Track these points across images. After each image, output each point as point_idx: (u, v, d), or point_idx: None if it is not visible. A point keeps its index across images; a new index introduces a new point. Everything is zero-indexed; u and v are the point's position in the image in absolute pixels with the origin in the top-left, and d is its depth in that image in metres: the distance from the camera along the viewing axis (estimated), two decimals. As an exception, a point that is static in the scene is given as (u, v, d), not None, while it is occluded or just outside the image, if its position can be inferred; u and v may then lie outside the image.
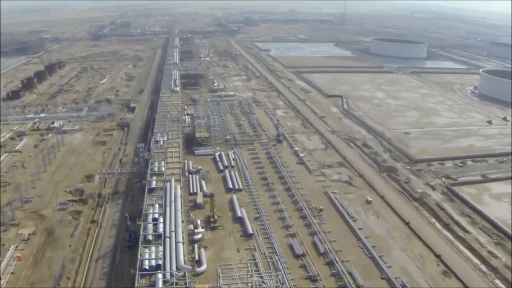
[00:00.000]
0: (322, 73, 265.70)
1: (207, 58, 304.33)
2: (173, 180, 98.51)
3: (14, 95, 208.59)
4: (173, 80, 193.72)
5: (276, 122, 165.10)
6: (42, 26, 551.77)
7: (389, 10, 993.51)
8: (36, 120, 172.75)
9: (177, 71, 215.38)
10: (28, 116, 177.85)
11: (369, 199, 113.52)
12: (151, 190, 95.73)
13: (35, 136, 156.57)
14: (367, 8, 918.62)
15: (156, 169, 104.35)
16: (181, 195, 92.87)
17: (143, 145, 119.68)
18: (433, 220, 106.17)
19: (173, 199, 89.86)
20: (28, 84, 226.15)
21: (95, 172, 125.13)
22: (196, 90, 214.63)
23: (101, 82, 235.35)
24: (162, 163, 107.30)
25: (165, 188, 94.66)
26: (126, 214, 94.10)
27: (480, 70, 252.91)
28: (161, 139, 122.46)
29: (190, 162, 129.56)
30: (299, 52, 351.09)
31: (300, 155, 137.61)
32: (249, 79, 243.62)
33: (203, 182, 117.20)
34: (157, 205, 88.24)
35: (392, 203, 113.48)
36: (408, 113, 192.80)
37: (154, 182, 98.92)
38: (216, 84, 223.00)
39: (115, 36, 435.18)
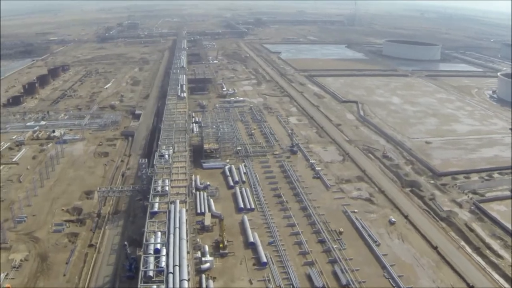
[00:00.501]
0: (335, 77, 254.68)
1: (215, 61, 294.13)
2: (178, 202, 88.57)
3: (14, 101, 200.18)
4: (179, 85, 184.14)
5: (290, 131, 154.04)
6: (49, 28, 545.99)
7: (399, 10, 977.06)
8: (36, 128, 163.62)
9: (184, 76, 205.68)
10: (28, 124, 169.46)
11: (393, 219, 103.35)
12: (154, 214, 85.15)
13: (34, 146, 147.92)
14: (376, 9, 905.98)
15: (159, 188, 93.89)
16: (186, 220, 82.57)
17: (146, 160, 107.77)
18: (463, 243, 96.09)
19: (177, 225, 79.82)
20: (29, 89, 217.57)
21: (95, 187, 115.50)
22: (204, 95, 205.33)
23: (105, 87, 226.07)
24: (167, 181, 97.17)
25: (169, 212, 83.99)
26: (126, 243, 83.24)
27: (499, 74, 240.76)
28: (166, 152, 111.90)
29: (198, 177, 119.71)
30: (311, 54, 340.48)
31: (317, 168, 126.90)
32: (259, 83, 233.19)
33: (212, 201, 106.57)
34: (159, 233, 77.28)
35: (417, 223, 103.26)
36: (427, 120, 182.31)
37: (157, 205, 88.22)
38: (225, 89, 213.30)
39: (121, 38, 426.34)
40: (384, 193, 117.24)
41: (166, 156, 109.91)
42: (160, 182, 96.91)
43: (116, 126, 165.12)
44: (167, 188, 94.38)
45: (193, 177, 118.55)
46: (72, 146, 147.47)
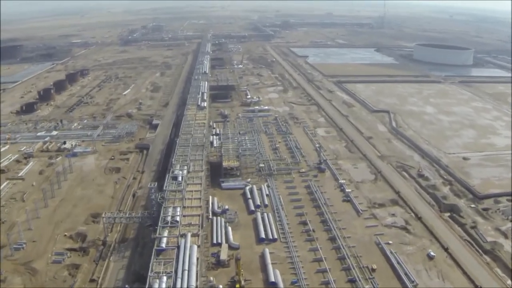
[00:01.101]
0: (365, 83, 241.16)
1: (240, 66, 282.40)
2: (189, 235, 76.57)
3: (28, 108, 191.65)
4: (200, 93, 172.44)
5: (317, 146, 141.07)
6: (74, 30, 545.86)
7: (427, 12, 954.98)
8: (47, 139, 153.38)
9: (206, 83, 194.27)
10: (39, 134, 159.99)
11: (432, 253, 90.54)
12: (160, 252, 72.38)
13: (43, 159, 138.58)
14: (405, 11, 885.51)
15: (169, 218, 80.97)
16: (197, 259, 69.70)
17: (155, 184, 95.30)
18: (509, 282, 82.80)
19: (186, 266, 67.01)
20: (45, 96, 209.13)
21: (103, 209, 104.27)
22: (227, 103, 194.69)
23: (124, 93, 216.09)
24: (178, 209, 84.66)
25: (178, 249, 71.58)
26: (127, 286, 70.86)
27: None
28: (180, 173, 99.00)
29: (216, 199, 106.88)
30: (339, 59, 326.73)
31: (347, 190, 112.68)
32: (285, 90, 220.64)
33: (230, 229, 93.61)
34: (165, 278, 64.72)
35: (459, 258, 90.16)
36: (463, 132, 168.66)
37: (165, 240, 75.75)
38: (249, 96, 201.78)
39: (145, 41, 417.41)
40: (421, 219, 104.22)
41: (180, 178, 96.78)
42: (170, 210, 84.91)
43: (131, 137, 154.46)
44: (178, 218, 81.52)
45: (210, 199, 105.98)
46: (82, 160, 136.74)
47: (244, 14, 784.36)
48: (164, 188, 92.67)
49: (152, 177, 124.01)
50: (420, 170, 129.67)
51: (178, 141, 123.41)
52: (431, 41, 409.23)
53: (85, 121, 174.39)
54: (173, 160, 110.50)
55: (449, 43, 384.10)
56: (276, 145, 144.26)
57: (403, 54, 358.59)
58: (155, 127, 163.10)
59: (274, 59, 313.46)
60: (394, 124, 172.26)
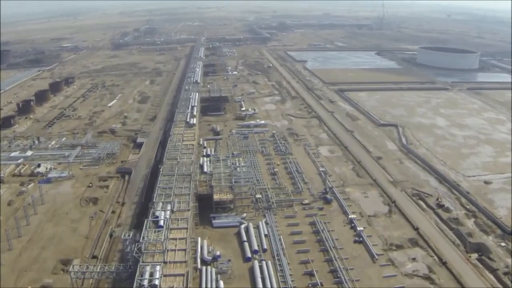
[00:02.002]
0: (369, 92, 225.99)
1: (235, 72, 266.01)
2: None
3: (5, 123, 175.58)
4: (190, 107, 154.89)
5: (321, 169, 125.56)
6: (66, 33, 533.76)
7: (425, 12, 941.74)
8: (20, 160, 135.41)
9: (197, 94, 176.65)
10: (12, 154, 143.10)
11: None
12: None
13: (13, 186, 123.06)
14: (403, 11, 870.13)
15: (146, 282, 63.35)
16: None
17: (130, 236, 78.01)
18: None
19: None
20: (24, 108, 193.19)
21: (75, 253, 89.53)
22: (220, 117, 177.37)
23: (109, 105, 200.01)
24: (158, 267, 66.83)
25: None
26: None
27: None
28: (162, 214, 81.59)
29: (205, 242, 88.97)
30: (339, 64, 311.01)
31: (358, 228, 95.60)
32: (283, 100, 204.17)
33: (221, 283, 75.95)
34: None
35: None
36: (480, 149, 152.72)
37: None
38: (244, 108, 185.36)
39: (137, 45, 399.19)
40: (447, 264, 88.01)
41: (161, 221, 79.30)
42: (148, 270, 66.81)
43: (112, 159, 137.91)
44: (157, 281, 64.01)
45: (199, 241, 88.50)
46: (57, 188, 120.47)
47: (240, 15, 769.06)
48: (142, 238, 74.91)
49: (133, 212, 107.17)
50: (440, 200, 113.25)
51: (162, 169, 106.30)
52: (432, 42, 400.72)
53: (64, 138, 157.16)
54: (154, 196, 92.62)
55: (451, 45, 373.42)
56: (275, 169, 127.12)
57: (405, 57, 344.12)
58: (139, 146, 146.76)
59: (271, 65, 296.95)
60: (404, 140, 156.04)
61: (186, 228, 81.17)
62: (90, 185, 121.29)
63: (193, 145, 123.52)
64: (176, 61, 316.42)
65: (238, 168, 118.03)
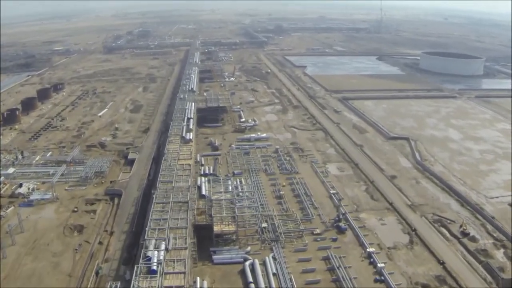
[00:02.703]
0: (375, 100, 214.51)
1: (232, 79, 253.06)
2: None
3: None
4: (185, 119, 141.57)
5: (332, 193, 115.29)
6: (59, 36, 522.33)
7: (422, 15, 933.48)
8: (1, 179, 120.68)
9: (193, 104, 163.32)
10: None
11: None
12: None
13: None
14: (398, 13, 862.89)
15: None
16: None
17: (116, 286, 64.80)
18: None
19: None
20: (9, 118, 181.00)
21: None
22: (218, 128, 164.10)
23: (99, 114, 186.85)
24: None
25: None
26: None
27: None
28: (156, 254, 68.56)
29: (205, 283, 75.40)
30: (340, 69, 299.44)
31: (378, 264, 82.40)
32: (285, 110, 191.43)
33: None
34: None
35: None
36: (499, 165, 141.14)
37: None
38: (243, 119, 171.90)
39: (130, 49, 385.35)
40: (481, 309, 73.06)
41: (154, 265, 66.22)
42: None
43: (101, 178, 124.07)
44: None
45: (198, 282, 75.12)
46: (39, 212, 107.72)
47: (235, 18, 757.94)
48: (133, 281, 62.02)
49: (123, 243, 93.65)
50: (464, 227, 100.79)
51: (155, 196, 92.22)
52: (432, 47, 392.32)
53: (49, 153, 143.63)
54: (146, 229, 79.65)
55: (452, 50, 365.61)
56: (281, 192, 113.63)
57: (408, 63, 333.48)
58: (131, 162, 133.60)
59: (269, 70, 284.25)
60: (418, 156, 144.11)
61: (184, 273, 67.29)
62: (76, 209, 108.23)
63: (190, 165, 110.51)
64: (170, 66, 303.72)
65: (240, 193, 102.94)
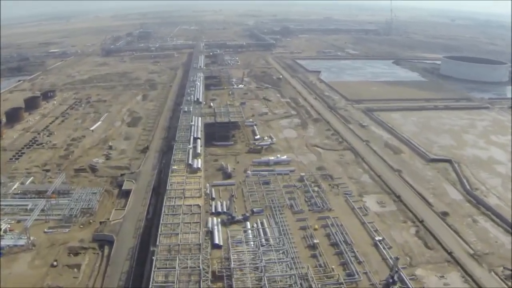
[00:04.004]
0: (401, 112, 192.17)
1: (241, 86, 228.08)
2: None
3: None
4: (191, 139, 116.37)
5: (377, 240, 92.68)
6: (56, 37, 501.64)
7: (428, 17, 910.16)
8: None
9: (200, 119, 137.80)
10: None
11: None
12: None
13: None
14: (404, 15, 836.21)
15: None
16: None
17: None
18: None
19: None
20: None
21: None
22: (229, 148, 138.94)
23: (91, 129, 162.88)
24: None
25: None
26: None
27: None
28: None
29: None
30: (357, 75, 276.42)
31: None
32: (304, 124, 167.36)
33: None
34: None
35: None
36: None
37: None
38: (258, 136, 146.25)
39: (129, 51, 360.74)
40: None
41: None
42: None
43: (89, 215, 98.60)
44: None
45: None
46: (8, 266, 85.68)
47: (239, 19, 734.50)
48: None
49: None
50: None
51: (156, 257, 66.73)
52: (446, 50, 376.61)
53: (30, 179, 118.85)
54: None
55: (466, 52, 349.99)
56: (314, 241, 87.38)
57: (427, 67, 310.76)
58: (126, 194, 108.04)
59: (281, 76, 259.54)
60: (466, 184, 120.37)
61: None
62: (55, 263, 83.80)
63: (199, 206, 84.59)
64: (172, 70, 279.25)
65: (264, 241, 77.92)
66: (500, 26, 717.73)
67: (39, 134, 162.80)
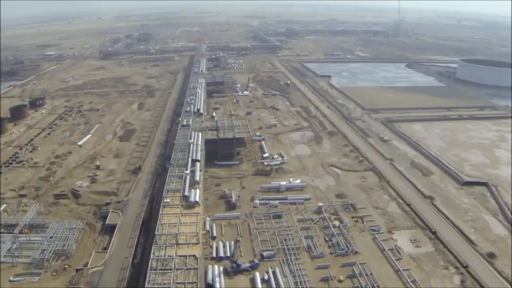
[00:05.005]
0: (423, 122, 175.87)
1: (246, 92, 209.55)
2: None
3: None
4: (189, 162, 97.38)
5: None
6: (55, 38, 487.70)
7: (434, 18, 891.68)
8: None
9: (200, 135, 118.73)
10: None
11: None
12: None
13: None
14: (410, 16, 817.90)
15: None
16: None
17: None
18: None
19: None
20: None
21: None
22: (233, 168, 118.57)
23: (79, 143, 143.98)
24: None
25: None
26: None
27: None
28: None
29: None
30: (369, 80, 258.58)
31: None
32: (318, 137, 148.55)
33: None
34: None
35: None
36: None
37: None
38: (266, 154, 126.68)
39: (128, 54, 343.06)
40: None
41: None
42: None
43: (64, 260, 79.63)
44: None
45: None
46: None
47: (242, 20, 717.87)
48: None
49: None
50: None
51: None
52: (458, 52, 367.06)
53: (3, 207, 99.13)
54: None
55: (478, 55, 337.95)
56: None
57: (442, 71, 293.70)
58: (110, 230, 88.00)
59: (289, 81, 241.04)
60: (509, 213, 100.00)
61: None
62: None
63: (196, 257, 65.18)
64: (172, 75, 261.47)
65: None
66: (506, 27, 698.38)
67: (21, 149, 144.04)
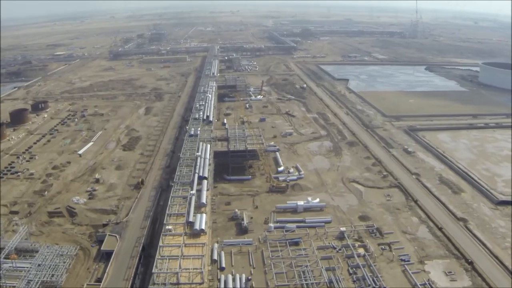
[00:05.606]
0: (449, 131, 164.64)
1: (259, 97, 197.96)
2: None
3: None
4: (195, 180, 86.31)
5: None
6: (66, 38, 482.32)
7: (450, 19, 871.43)
8: None
9: (208, 147, 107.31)
10: None
11: None
12: None
13: None
14: (425, 17, 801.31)
15: None
16: None
17: None
18: None
19: None
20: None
21: None
22: (245, 184, 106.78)
23: (79, 152, 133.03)
24: None
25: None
26: None
27: None
28: None
29: None
30: (389, 83, 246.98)
31: None
32: (337, 148, 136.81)
33: None
34: None
35: None
36: None
37: None
38: (282, 167, 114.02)
39: (139, 54, 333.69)
40: None
41: None
42: None
43: None
44: None
45: None
46: None
47: (256, 20, 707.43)
48: None
49: None
50: None
51: None
52: (478, 54, 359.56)
53: None
54: None
55: (501, 58, 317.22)
56: None
57: (463, 75, 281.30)
58: (106, 257, 77.12)
59: (305, 85, 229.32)
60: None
61: None
62: None
63: None
64: (183, 77, 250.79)
65: None
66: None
67: (18, 157, 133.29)
